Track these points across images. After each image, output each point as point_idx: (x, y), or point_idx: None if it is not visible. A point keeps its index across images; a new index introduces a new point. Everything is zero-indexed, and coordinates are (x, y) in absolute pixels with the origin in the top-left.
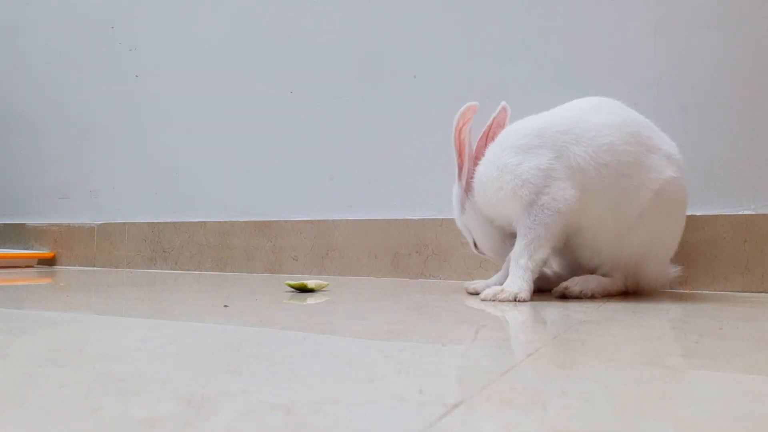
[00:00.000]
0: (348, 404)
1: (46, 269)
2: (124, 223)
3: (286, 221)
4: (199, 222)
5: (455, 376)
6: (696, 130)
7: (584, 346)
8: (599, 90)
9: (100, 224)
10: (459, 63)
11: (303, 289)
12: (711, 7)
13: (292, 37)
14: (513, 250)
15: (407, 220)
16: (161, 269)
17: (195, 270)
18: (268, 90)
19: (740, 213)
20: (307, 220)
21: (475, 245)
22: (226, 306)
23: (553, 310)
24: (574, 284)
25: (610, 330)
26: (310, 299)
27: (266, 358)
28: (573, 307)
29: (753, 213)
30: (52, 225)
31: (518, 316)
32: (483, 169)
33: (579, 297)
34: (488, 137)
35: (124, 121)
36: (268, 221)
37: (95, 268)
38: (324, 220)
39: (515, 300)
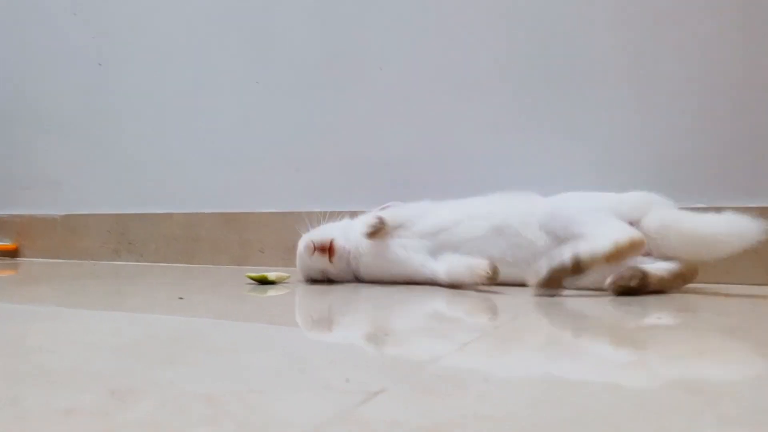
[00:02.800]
0: (271, 393)
1: (9, 261)
2: (88, 215)
3: (252, 213)
4: (165, 213)
5: (387, 366)
6: (652, 126)
7: (522, 334)
8: (561, 82)
9: (64, 215)
10: (425, 54)
11: (263, 281)
12: (671, 4)
13: (258, 28)
14: None
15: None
16: (126, 261)
17: (161, 262)
18: (234, 80)
19: (694, 206)
20: (274, 212)
21: None
22: (180, 298)
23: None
24: None
25: (554, 320)
26: (271, 291)
27: (205, 350)
28: (521, 296)
29: (706, 206)
30: (15, 216)
31: (473, 305)
32: None
33: None
34: None
35: (87, 111)
36: (235, 213)
37: (59, 261)
38: (290, 212)
39: None
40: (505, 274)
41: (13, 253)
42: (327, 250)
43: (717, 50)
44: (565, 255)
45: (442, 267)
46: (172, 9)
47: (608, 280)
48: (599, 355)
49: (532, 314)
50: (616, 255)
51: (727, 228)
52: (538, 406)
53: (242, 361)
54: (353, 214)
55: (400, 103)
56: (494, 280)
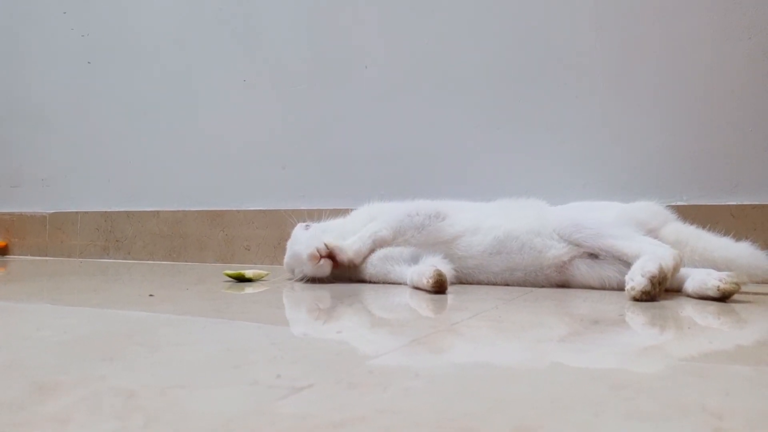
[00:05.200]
0: (195, 388)
1: None
2: (76, 212)
3: (238, 211)
4: (152, 211)
5: (326, 362)
6: (633, 123)
7: (476, 330)
8: (545, 79)
9: (52, 213)
10: (410, 53)
11: (241, 279)
12: (652, 4)
13: (245, 26)
14: None
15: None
16: (114, 259)
17: (148, 260)
18: (221, 78)
19: (673, 204)
20: (260, 210)
21: None
22: (151, 295)
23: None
24: None
25: (512, 317)
26: (248, 288)
27: (151, 346)
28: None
29: (685, 204)
30: (4, 214)
31: (442, 304)
32: None
33: None
34: None
35: (76, 109)
36: (221, 211)
37: (47, 258)
38: (276, 210)
39: None
40: (509, 277)
41: (2, 251)
42: (332, 258)
43: (697, 50)
44: (649, 267)
45: (408, 273)
46: (161, 8)
47: (719, 285)
48: (538, 350)
49: (492, 312)
50: (676, 271)
51: (740, 259)
52: (455, 399)
53: (180, 356)
54: (338, 212)
55: (386, 101)
56: (440, 286)
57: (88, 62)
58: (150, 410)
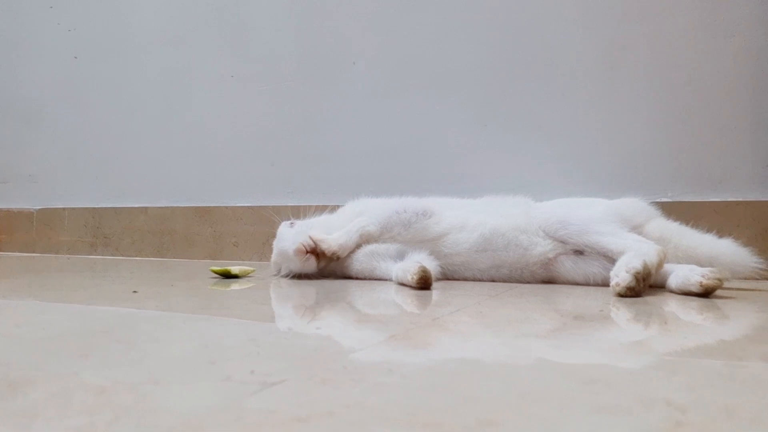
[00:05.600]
0: (168, 384)
1: None
2: (64, 209)
3: (226, 207)
4: (140, 207)
5: (301, 357)
6: (618, 121)
7: (456, 326)
8: (532, 76)
9: (40, 209)
10: (399, 50)
11: (227, 275)
12: (638, 2)
13: (233, 22)
14: None
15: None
16: (102, 255)
17: (136, 256)
18: (209, 74)
19: (659, 200)
20: (248, 206)
21: None
22: (135, 292)
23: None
24: None
25: (494, 312)
26: (234, 285)
27: (128, 342)
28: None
29: (670, 200)
30: None
31: (426, 299)
32: None
33: None
34: None
35: (63, 104)
36: (209, 207)
37: (35, 255)
38: (265, 206)
39: None
40: (495, 274)
41: None
42: (318, 254)
43: (681, 48)
44: (634, 264)
45: (394, 269)
46: (149, 3)
47: (701, 281)
48: (517, 346)
49: (475, 308)
50: (659, 267)
51: (723, 256)
52: (426, 395)
53: (157, 353)
54: (326, 209)
55: (374, 97)
56: (425, 282)
57: (75, 57)
58: (119, 406)
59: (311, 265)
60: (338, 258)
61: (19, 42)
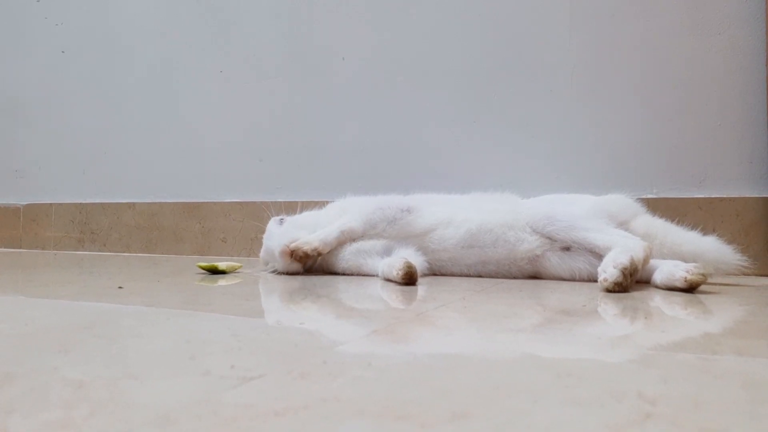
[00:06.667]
0: (146, 379)
1: None
2: (50, 204)
3: (215, 203)
4: (127, 203)
5: (282, 352)
6: (604, 118)
7: (440, 320)
8: (520, 73)
9: (26, 205)
10: (387, 46)
11: (214, 271)
12: (625, 1)
13: (221, 17)
14: None
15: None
16: (90, 251)
17: (124, 252)
18: (197, 69)
19: (644, 196)
20: (236, 202)
21: None
22: (120, 287)
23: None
24: None
25: (479, 307)
26: (221, 281)
27: (110, 337)
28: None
29: (655, 197)
30: None
31: (412, 295)
32: None
33: None
34: None
35: (50, 99)
36: (197, 203)
37: (21, 250)
38: (253, 202)
39: None
40: (482, 270)
41: None
42: (300, 256)
43: (667, 46)
44: (621, 260)
45: (380, 265)
46: None
47: (686, 276)
48: (497, 340)
49: (459, 303)
50: (646, 262)
51: (707, 253)
52: (402, 388)
53: (138, 348)
54: (315, 204)
55: (363, 93)
56: (410, 277)
57: (63, 52)
58: (96, 401)
59: (296, 266)
60: (320, 254)
61: (5, 36)
